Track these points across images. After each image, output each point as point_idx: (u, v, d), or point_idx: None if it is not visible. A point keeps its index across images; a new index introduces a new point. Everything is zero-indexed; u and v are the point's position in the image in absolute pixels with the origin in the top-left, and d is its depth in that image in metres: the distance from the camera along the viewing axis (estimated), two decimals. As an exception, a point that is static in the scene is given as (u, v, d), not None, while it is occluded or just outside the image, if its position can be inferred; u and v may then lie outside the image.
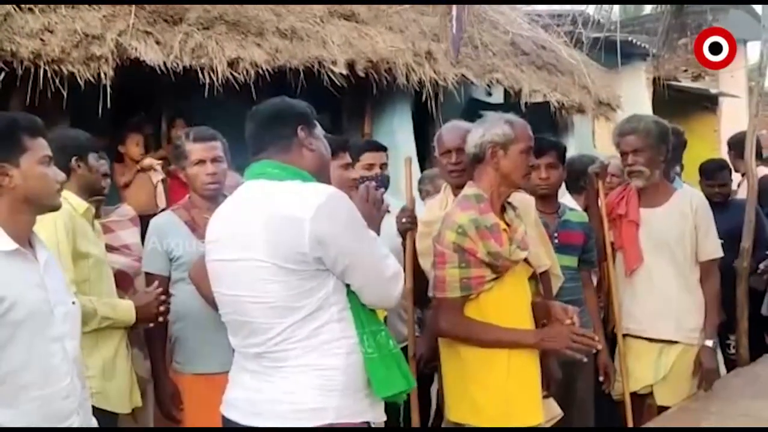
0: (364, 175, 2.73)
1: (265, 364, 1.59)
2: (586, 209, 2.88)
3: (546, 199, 2.67)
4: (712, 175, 3.74)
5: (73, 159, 2.17)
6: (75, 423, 1.59)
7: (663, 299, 2.61)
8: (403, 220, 2.28)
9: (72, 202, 2.11)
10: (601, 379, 2.67)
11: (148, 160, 4.15)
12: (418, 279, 2.25)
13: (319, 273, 1.53)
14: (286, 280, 1.51)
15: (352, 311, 1.58)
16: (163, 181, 4.22)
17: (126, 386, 2.18)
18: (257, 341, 1.58)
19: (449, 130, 2.36)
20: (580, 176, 3.04)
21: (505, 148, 2.00)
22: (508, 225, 2.03)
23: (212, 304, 2.19)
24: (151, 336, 2.29)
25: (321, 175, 1.70)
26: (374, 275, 1.58)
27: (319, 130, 1.71)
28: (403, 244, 2.33)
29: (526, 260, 2.09)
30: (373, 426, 1.61)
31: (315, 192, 1.54)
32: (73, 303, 1.69)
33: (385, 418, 1.66)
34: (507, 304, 1.99)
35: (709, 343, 2.60)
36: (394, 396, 1.60)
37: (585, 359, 1.97)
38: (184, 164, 2.34)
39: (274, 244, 1.51)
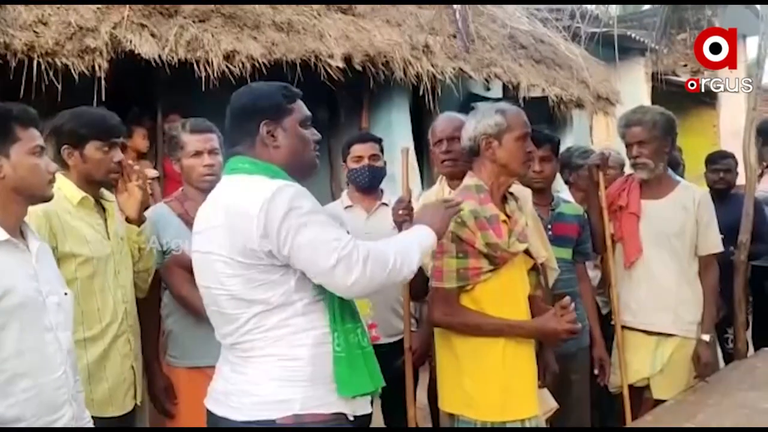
0: (353, 167, 2.72)
1: (237, 354, 1.60)
2: (581, 201, 2.88)
3: (540, 192, 2.66)
4: (716, 160, 3.77)
5: (63, 148, 2.04)
6: (67, 414, 1.58)
7: (661, 291, 2.60)
8: (400, 211, 2.27)
9: (66, 192, 2.02)
10: (596, 372, 2.67)
11: (153, 172, 4.19)
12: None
13: (276, 268, 1.52)
14: (244, 274, 1.53)
15: (327, 306, 1.57)
16: (156, 178, 4.23)
17: (117, 389, 2.07)
18: (228, 331, 1.60)
19: (442, 120, 2.36)
20: (563, 169, 3.05)
21: (498, 138, 1.98)
22: (508, 216, 2.01)
23: (180, 301, 2.20)
24: (144, 330, 2.26)
25: (298, 165, 1.65)
26: (315, 265, 1.50)
27: (290, 120, 1.64)
28: None
29: (528, 252, 2.07)
30: (350, 418, 1.59)
31: (264, 187, 1.52)
32: (66, 294, 1.67)
33: (368, 411, 1.65)
34: (503, 297, 1.98)
35: (706, 337, 2.59)
36: (359, 395, 1.59)
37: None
38: (179, 155, 2.32)
39: (231, 240, 1.53)
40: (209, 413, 1.66)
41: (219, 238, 1.56)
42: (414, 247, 1.63)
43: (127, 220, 2.15)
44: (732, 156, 3.84)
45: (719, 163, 3.78)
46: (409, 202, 2.29)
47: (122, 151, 4.26)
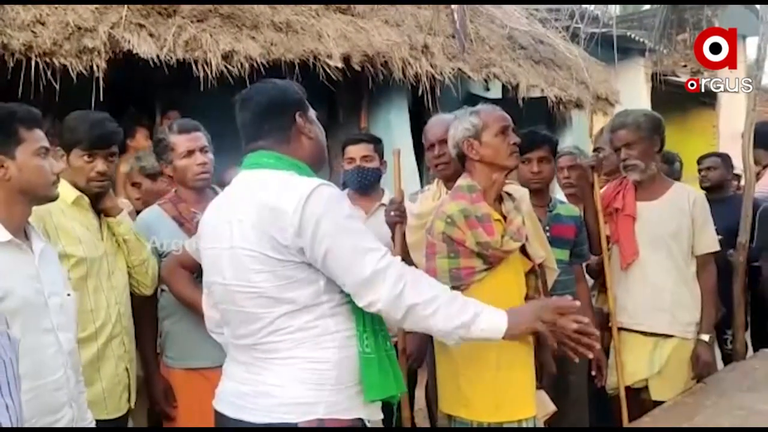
0: (345, 169, 2.71)
1: (256, 355, 1.56)
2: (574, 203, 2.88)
3: (537, 193, 2.66)
4: (701, 160, 3.83)
5: (57, 149, 2.02)
6: (66, 416, 1.58)
7: (658, 293, 2.59)
8: (392, 212, 2.27)
9: (62, 192, 2.00)
10: (593, 373, 2.66)
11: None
12: None
13: (306, 266, 1.50)
14: (273, 270, 1.49)
15: (354, 308, 1.53)
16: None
17: (111, 391, 2.06)
18: (248, 332, 1.56)
19: (433, 125, 2.37)
20: None
21: (477, 138, 2.00)
22: (504, 217, 2.01)
23: (183, 301, 2.18)
24: (142, 333, 2.25)
25: (320, 159, 1.68)
26: (347, 271, 1.47)
27: (312, 113, 1.68)
28: (393, 237, 2.31)
29: (526, 254, 2.07)
30: (368, 424, 1.57)
31: (301, 184, 1.51)
32: (68, 295, 1.67)
33: (381, 417, 1.63)
34: (499, 297, 1.95)
35: (705, 337, 2.58)
36: (383, 399, 1.57)
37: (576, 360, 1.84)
38: (170, 157, 2.30)
39: (262, 234, 1.49)
40: (220, 415, 1.62)
41: (246, 233, 1.51)
42: (469, 311, 1.52)
43: (105, 213, 2.11)
44: (719, 155, 3.90)
45: (702, 162, 3.85)
46: (401, 203, 2.29)
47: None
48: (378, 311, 1.49)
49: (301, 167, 1.59)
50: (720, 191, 3.78)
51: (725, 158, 3.84)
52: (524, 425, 1.94)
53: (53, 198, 1.67)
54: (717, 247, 2.66)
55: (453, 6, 5.13)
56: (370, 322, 1.54)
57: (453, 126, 2.06)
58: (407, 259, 2.24)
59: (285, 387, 1.51)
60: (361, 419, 1.55)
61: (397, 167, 2.33)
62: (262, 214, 1.50)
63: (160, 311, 2.34)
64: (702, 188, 3.80)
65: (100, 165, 2.05)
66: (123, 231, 2.13)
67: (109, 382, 2.05)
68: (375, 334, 1.55)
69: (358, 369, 1.53)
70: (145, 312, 2.28)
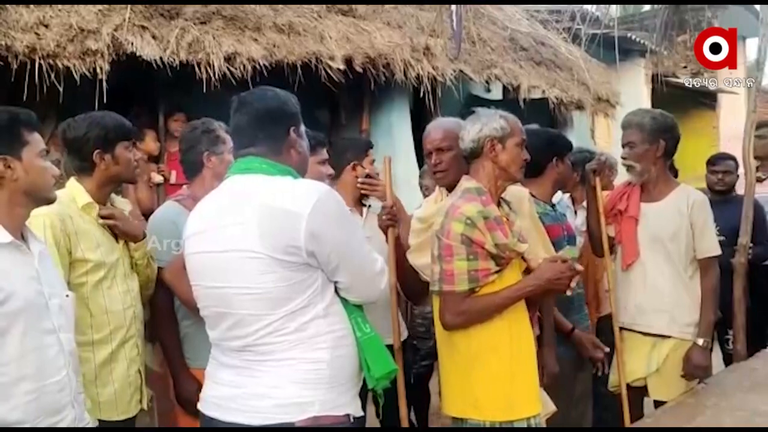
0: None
1: (247, 358, 1.58)
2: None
3: None
4: (716, 162, 3.80)
5: (95, 153, 2.06)
6: (68, 416, 1.59)
7: (656, 294, 2.60)
8: (384, 217, 2.29)
9: (77, 196, 2.05)
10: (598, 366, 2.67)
11: (158, 178, 4.21)
12: (409, 274, 2.25)
13: (308, 267, 1.54)
14: (279, 272, 1.52)
15: (342, 306, 1.60)
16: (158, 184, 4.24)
17: (123, 392, 2.06)
18: (242, 334, 1.58)
19: (432, 130, 2.29)
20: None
21: (502, 142, 2.02)
22: (506, 219, 2.03)
23: (188, 304, 2.13)
24: (164, 335, 2.26)
25: (304, 172, 1.72)
26: (365, 270, 1.62)
27: (302, 128, 1.71)
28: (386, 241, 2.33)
29: (522, 255, 2.09)
30: (352, 420, 1.61)
31: (311, 188, 1.56)
32: (67, 296, 1.69)
33: (363, 413, 1.67)
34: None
35: (700, 341, 2.54)
36: (386, 375, 1.64)
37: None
38: (221, 150, 2.30)
39: (269, 236, 1.51)
40: (208, 419, 1.63)
41: (248, 235, 1.51)
42: None
43: (131, 238, 2.15)
44: (733, 158, 3.85)
45: (719, 164, 3.81)
46: (392, 207, 2.31)
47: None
48: (368, 301, 1.66)
49: (294, 174, 1.63)
50: (727, 193, 3.78)
51: (737, 161, 3.82)
52: (532, 423, 1.95)
53: (53, 200, 1.69)
54: (718, 251, 2.63)
55: (452, 7, 5.14)
56: (356, 309, 1.63)
57: (480, 121, 2.04)
58: (401, 263, 2.27)
59: (282, 388, 1.54)
60: (349, 415, 1.60)
61: (388, 173, 2.35)
62: (269, 216, 1.51)
63: (176, 312, 2.31)
64: (715, 191, 3.78)
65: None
66: (138, 256, 2.17)
67: (121, 384, 2.06)
68: (363, 317, 1.63)
69: (349, 367, 1.60)
70: (164, 316, 2.27)
